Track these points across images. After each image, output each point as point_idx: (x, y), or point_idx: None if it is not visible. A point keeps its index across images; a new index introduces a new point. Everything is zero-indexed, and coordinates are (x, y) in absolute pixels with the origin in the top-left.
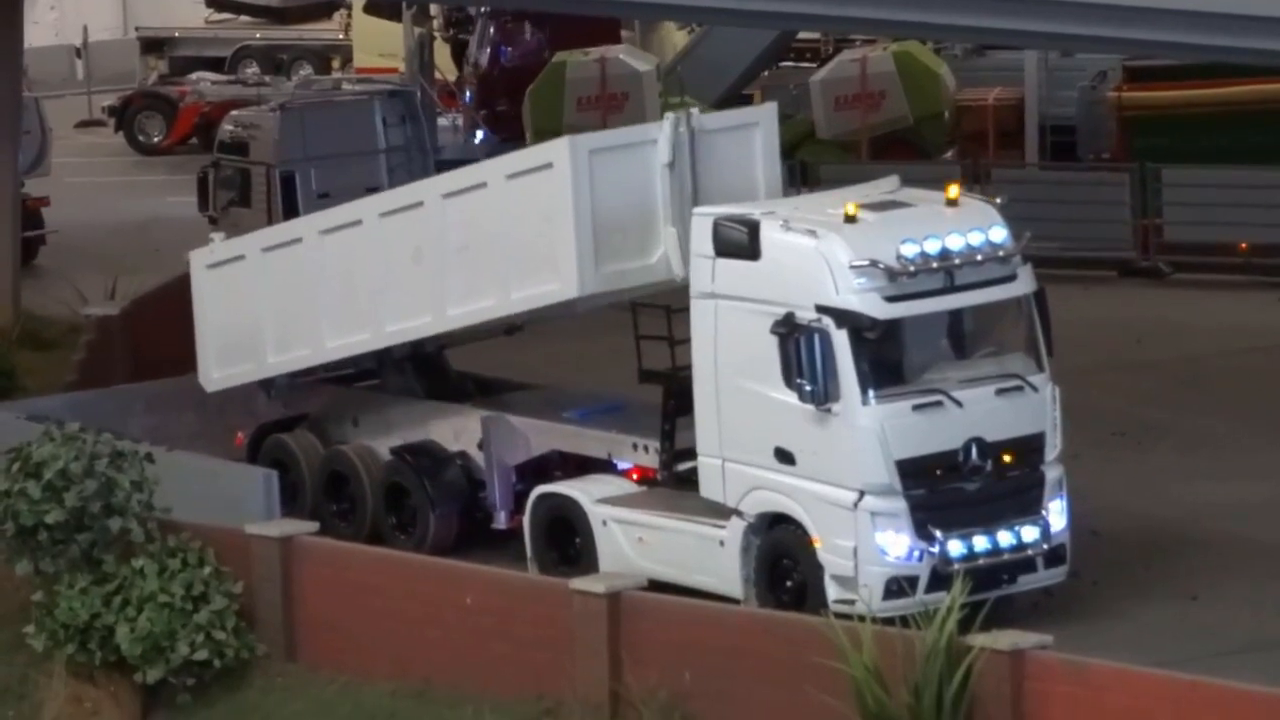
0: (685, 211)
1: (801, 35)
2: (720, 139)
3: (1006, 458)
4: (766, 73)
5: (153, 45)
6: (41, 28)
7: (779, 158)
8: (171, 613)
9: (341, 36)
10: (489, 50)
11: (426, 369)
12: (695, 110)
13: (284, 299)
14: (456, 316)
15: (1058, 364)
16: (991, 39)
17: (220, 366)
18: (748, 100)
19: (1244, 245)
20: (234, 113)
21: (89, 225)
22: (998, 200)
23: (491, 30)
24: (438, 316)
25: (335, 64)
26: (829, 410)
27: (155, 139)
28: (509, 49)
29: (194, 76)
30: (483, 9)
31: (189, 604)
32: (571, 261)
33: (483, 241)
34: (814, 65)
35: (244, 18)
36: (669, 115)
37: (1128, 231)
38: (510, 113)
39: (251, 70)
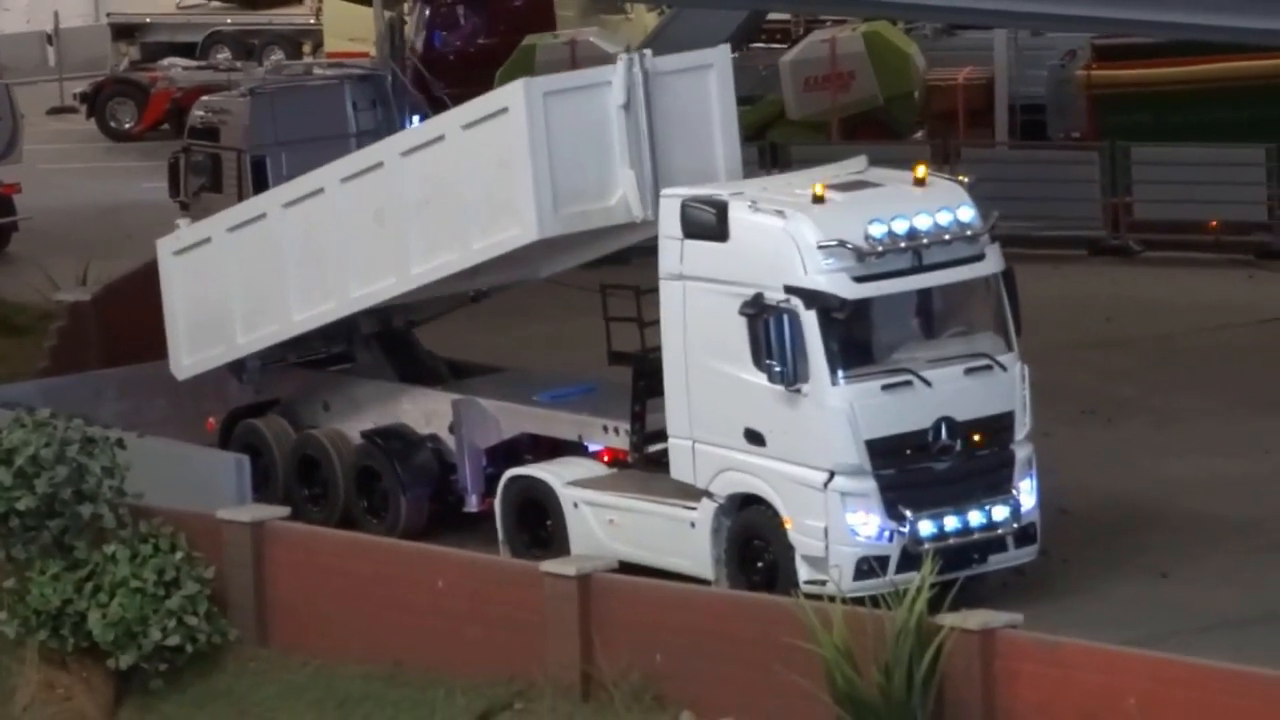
0: (643, 153)
1: (771, 16)
2: (675, 81)
3: (976, 437)
4: (736, 54)
5: (124, 31)
6: (13, 14)
7: (735, 100)
8: (143, 598)
9: (312, 21)
10: (424, 34)
11: (396, 349)
12: (648, 52)
13: (251, 277)
14: (420, 274)
15: (1028, 342)
16: (961, 19)
17: (191, 352)
18: None
19: (1214, 223)
20: (204, 98)
21: (61, 211)
22: (965, 179)
23: (427, 14)
24: (401, 276)
25: (306, 49)
26: (798, 391)
27: (127, 125)
28: (444, 33)
29: (165, 62)
30: None
31: (161, 589)
32: (530, 203)
33: (443, 194)
34: (784, 46)
35: (215, 3)
36: (622, 56)
37: (1098, 210)
38: (450, 96)
39: (223, 56)
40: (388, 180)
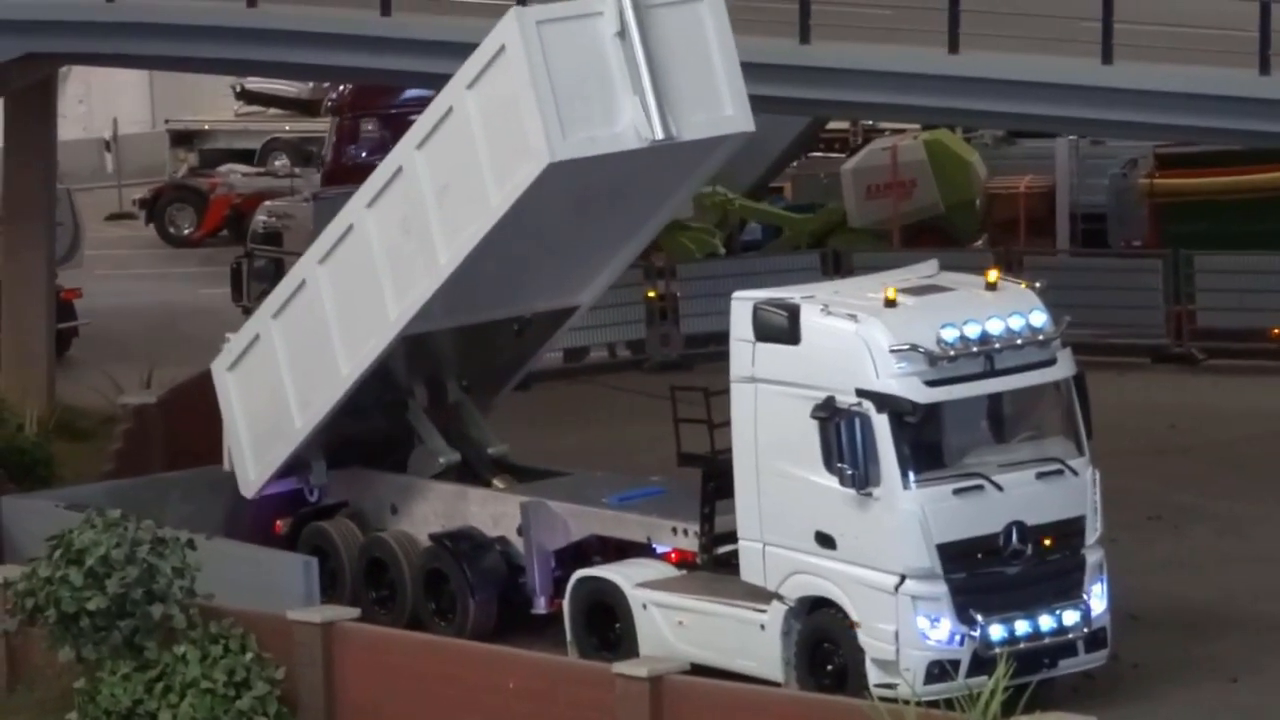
0: (643, 80)
1: (830, 125)
2: (666, 13)
3: (1047, 541)
4: (795, 163)
5: (182, 138)
6: (70, 121)
7: (731, 33)
8: (214, 699)
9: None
10: (332, 148)
11: (453, 428)
12: None
13: (300, 352)
14: (448, 262)
15: (1092, 448)
16: (1022, 124)
17: (256, 462)
18: (778, 191)
19: (1276, 331)
20: (267, 203)
21: (121, 317)
22: (1037, 284)
23: (336, 126)
24: (432, 271)
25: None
26: (870, 494)
27: (186, 231)
28: (352, 146)
29: (224, 168)
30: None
31: (231, 690)
32: (539, 131)
33: (458, 168)
34: (843, 155)
35: (273, 110)
36: None
37: (1160, 317)
38: None
39: (281, 162)
40: (407, 184)
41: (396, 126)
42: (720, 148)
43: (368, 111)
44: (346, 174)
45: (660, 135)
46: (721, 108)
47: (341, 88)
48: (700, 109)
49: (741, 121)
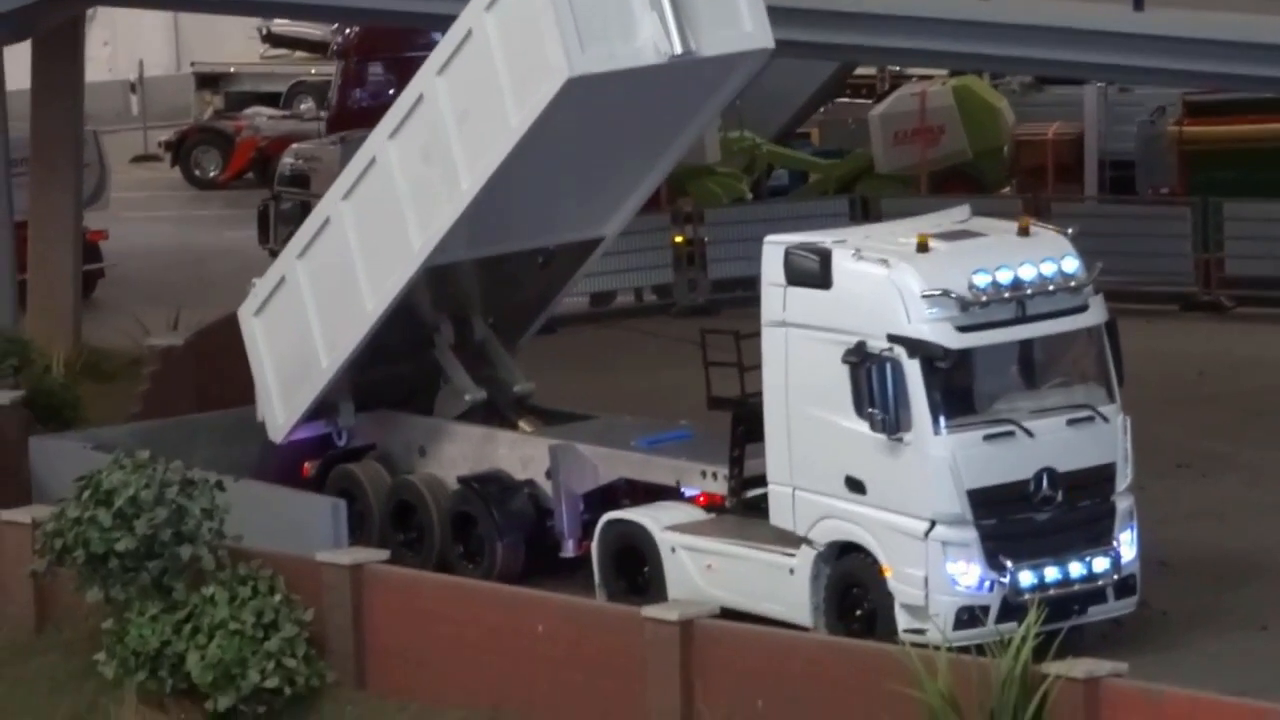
0: None
1: (858, 71)
2: None
3: (1077, 488)
4: (823, 109)
5: (208, 80)
6: (95, 63)
7: None
8: (242, 640)
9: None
10: (338, 91)
11: (479, 367)
12: None
13: (325, 291)
14: (470, 187)
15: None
16: (1052, 71)
17: (284, 406)
18: (805, 137)
19: None
20: (295, 145)
21: (146, 259)
22: (1069, 230)
23: (342, 69)
24: (454, 198)
25: None
26: (900, 439)
27: (211, 173)
28: (358, 90)
29: (249, 111)
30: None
31: (259, 631)
32: (558, 47)
33: (478, 92)
34: (870, 101)
35: (299, 53)
36: None
37: (1189, 265)
38: None
39: (306, 106)
40: (428, 111)
41: (403, 70)
42: (740, 67)
43: (374, 55)
44: (352, 118)
45: (679, 50)
46: (740, 24)
47: (348, 31)
48: (719, 25)
49: (760, 38)
